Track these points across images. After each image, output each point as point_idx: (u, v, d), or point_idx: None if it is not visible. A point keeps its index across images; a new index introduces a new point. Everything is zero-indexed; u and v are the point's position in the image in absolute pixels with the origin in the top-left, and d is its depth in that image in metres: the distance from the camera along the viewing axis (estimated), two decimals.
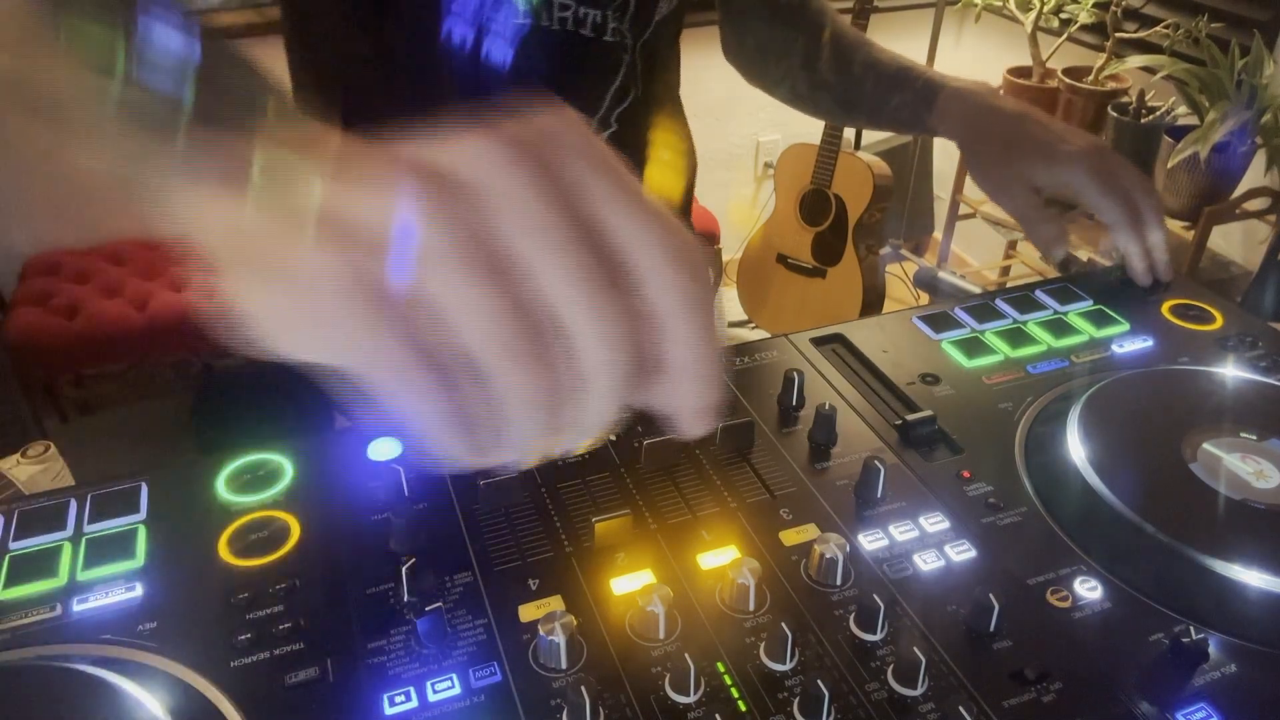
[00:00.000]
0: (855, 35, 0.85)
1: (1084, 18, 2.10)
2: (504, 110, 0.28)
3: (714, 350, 0.27)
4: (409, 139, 0.29)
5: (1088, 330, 0.73)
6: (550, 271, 0.24)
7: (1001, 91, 2.29)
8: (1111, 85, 2.09)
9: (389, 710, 0.43)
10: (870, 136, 2.65)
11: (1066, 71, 2.15)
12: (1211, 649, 0.46)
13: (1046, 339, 0.71)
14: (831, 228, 2.32)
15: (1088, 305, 0.76)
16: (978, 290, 0.81)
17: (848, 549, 0.50)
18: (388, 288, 0.25)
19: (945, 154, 2.76)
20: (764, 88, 0.91)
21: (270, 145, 0.30)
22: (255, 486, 0.56)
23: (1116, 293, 0.77)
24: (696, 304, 0.26)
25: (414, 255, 0.24)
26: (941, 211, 2.57)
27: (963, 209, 2.41)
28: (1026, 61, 2.25)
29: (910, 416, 0.61)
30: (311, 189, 0.28)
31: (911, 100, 0.79)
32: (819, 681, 0.42)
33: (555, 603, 0.49)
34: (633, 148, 0.71)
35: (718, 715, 0.43)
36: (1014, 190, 0.71)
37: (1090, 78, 2.10)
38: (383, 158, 0.28)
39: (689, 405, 0.27)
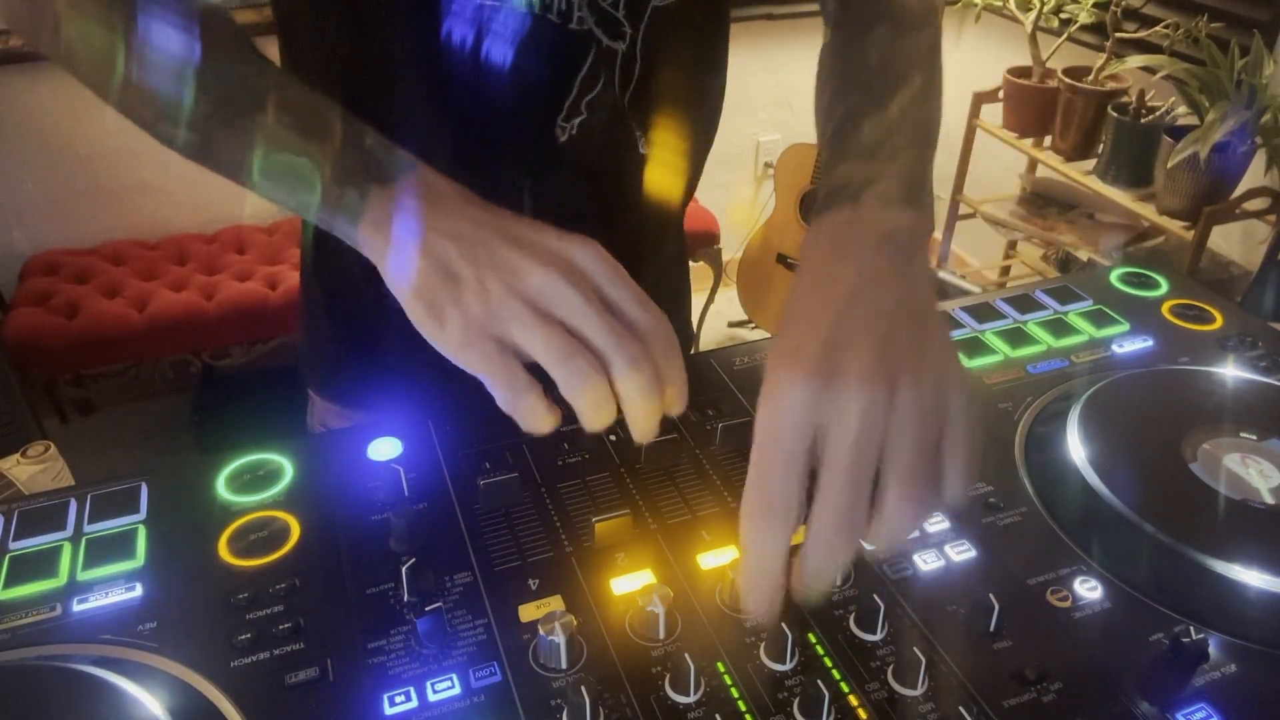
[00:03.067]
0: (878, 82, 0.63)
1: (1084, 18, 2.10)
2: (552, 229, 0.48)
3: (676, 357, 0.46)
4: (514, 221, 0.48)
5: (1088, 330, 0.72)
6: (589, 332, 0.45)
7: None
8: (1111, 85, 2.09)
9: (389, 710, 0.43)
10: None
11: (1066, 71, 2.15)
12: (1211, 649, 0.46)
13: (1046, 339, 0.71)
14: None
15: (1088, 305, 0.75)
16: (978, 290, 0.81)
17: None
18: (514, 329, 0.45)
19: (945, 154, 2.75)
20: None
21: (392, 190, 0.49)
22: (255, 486, 0.56)
23: (1117, 293, 0.77)
24: (662, 336, 0.46)
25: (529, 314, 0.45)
26: (941, 211, 2.57)
27: (963, 209, 2.41)
28: (1026, 61, 2.24)
29: None
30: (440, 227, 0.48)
31: (824, 191, 0.58)
32: (819, 682, 0.42)
33: (555, 603, 0.49)
34: (607, 136, 0.71)
35: (718, 715, 0.43)
36: None
37: (1090, 78, 2.10)
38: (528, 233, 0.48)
39: (675, 388, 0.46)
